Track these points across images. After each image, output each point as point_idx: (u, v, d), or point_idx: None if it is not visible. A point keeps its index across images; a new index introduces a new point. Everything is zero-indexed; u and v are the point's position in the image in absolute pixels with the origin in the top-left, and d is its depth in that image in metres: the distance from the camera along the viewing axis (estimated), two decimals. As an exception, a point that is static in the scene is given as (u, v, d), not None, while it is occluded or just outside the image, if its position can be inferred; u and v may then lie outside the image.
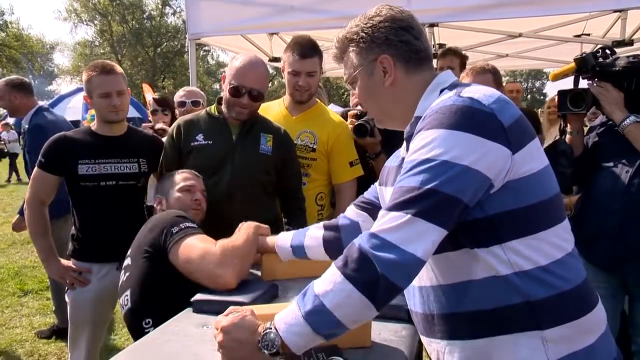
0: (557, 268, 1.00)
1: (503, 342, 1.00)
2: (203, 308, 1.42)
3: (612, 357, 1.06)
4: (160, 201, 1.95)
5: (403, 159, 1.17)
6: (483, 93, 0.99)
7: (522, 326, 0.99)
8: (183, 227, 1.59)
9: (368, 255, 0.91)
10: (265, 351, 0.99)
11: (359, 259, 0.92)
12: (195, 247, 1.52)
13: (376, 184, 1.38)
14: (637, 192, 1.92)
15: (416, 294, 1.13)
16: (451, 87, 1.08)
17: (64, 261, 2.28)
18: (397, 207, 0.94)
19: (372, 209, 1.38)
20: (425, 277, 1.09)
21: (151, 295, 1.56)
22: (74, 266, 2.25)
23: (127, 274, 1.65)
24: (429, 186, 0.92)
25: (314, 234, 1.50)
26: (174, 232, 1.57)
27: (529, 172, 0.98)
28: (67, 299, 2.30)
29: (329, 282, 0.95)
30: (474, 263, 1.00)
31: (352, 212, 1.47)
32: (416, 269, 0.94)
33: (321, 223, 1.52)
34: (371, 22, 1.13)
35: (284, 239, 1.57)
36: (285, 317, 0.99)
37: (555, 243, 1.01)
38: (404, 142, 1.16)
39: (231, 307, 1.12)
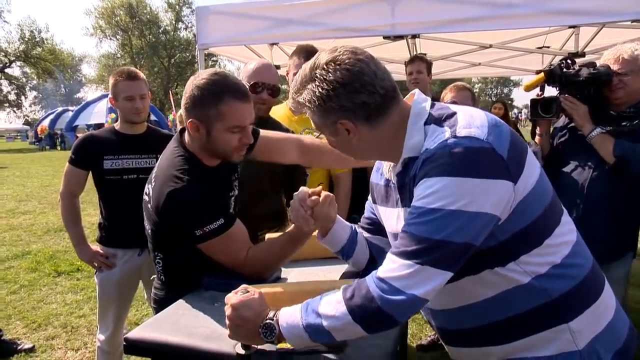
0: (570, 259, 0.95)
1: (534, 342, 0.96)
2: (212, 287, 1.39)
3: (627, 324, 1.03)
4: (197, 128, 1.33)
5: (387, 180, 1.09)
6: (476, 126, 0.88)
7: (550, 324, 0.94)
8: (207, 230, 1.29)
9: (374, 296, 0.88)
10: (263, 337, 0.97)
11: (365, 297, 0.89)
12: (225, 254, 1.36)
13: (369, 200, 1.26)
14: (594, 187, 1.96)
15: (440, 316, 1.08)
16: (437, 120, 0.93)
17: (92, 246, 2.24)
18: (406, 255, 0.87)
19: (377, 227, 1.25)
20: (449, 302, 1.03)
21: (163, 243, 1.44)
22: (101, 251, 2.22)
23: (150, 204, 1.39)
24: (438, 237, 0.84)
25: (362, 254, 1.29)
26: (197, 234, 1.30)
27: (528, 190, 0.90)
28: (95, 279, 2.27)
29: (334, 308, 0.91)
30: (495, 280, 0.94)
31: (368, 237, 1.29)
32: (417, 308, 0.90)
33: (364, 234, 1.31)
34: (319, 89, 0.92)
35: (339, 236, 1.27)
36: (288, 316, 0.96)
37: (561, 242, 0.95)
38: (389, 168, 1.06)
39: (243, 285, 1.08)
